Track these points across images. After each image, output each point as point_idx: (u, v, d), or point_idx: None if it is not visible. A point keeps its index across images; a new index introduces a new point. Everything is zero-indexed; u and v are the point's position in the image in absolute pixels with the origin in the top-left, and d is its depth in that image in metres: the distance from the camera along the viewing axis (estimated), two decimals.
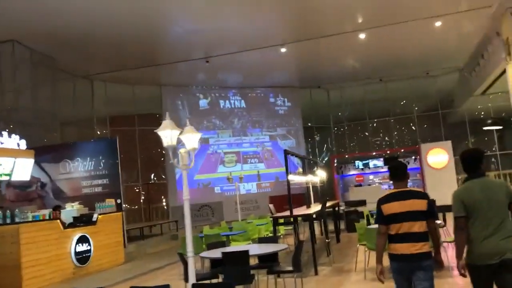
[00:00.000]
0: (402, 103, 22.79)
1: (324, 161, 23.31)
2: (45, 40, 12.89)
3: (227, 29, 13.88)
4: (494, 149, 21.18)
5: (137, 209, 18.93)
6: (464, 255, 3.67)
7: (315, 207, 10.34)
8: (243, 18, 13.25)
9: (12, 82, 12.60)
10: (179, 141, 4.87)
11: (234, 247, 8.02)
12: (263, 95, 21.13)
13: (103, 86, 17.18)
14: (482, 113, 22.32)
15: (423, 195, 4.02)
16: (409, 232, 3.86)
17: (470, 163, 3.83)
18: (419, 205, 3.91)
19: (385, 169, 21.09)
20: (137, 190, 18.91)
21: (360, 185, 20.75)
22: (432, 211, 3.96)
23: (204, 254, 6.36)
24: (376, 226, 4.16)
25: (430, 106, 22.46)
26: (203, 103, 19.74)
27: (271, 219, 9.24)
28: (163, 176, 19.25)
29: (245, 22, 13.57)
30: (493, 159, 21.70)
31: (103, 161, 13.05)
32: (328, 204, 11.13)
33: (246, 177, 19.46)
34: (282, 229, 10.95)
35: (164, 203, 19.32)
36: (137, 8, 11.89)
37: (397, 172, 4.17)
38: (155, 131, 4.67)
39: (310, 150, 23.46)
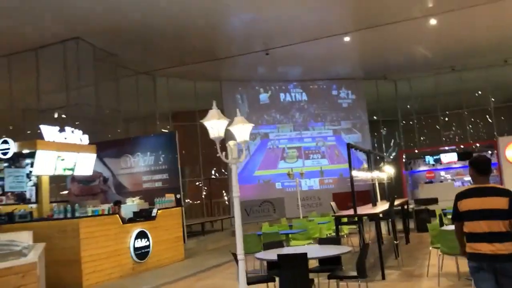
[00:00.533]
0: (477, 94, 21.16)
1: (391, 157, 22.21)
2: (108, 37, 13.06)
3: (287, 19, 13.36)
4: None
5: (199, 204, 18.94)
6: None
7: (382, 206, 9.62)
8: (304, 6, 12.64)
9: (76, 79, 12.86)
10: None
11: (292, 247, 7.54)
12: (326, 88, 20.41)
13: (165, 82, 17.27)
14: None
15: (505, 192, 3.68)
16: (489, 231, 3.60)
17: None
18: (500, 203, 3.60)
19: (459, 164, 19.72)
20: (199, 185, 18.92)
21: (431, 182, 19.53)
22: None
23: (260, 255, 5.93)
24: (452, 227, 3.65)
25: (509, 97, 20.69)
26: (263, 97, 19.37)
27: (333, 217, 8.64)
28: (225, 172, 19.13)
29: (306, 11, 12.97)
30: None
31: (163, 155, 13.02)
32: (396, 202, 10.36)
33: (308, 173, 18.91)
34: (345, 229, 10.32)
35: (226, 198, 19.21)
36: (196, 0, 11.71)
37: (481, 166, 3.80)
38: (201, 121, 4.28)
39: (376, 145, 22.41)
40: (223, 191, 19.20)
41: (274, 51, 15.44)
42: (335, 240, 6.70)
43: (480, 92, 20.86)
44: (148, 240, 10.22)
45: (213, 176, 19.50)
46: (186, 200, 19.49)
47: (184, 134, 16.24)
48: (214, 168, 19.67)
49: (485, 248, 3.59)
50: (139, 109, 16.36)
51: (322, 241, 7.00)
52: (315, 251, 5.86)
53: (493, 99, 20.43)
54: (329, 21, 13.78)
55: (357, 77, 20.46)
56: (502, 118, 21.28)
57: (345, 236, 10.37)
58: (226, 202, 19.04)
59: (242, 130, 4.50)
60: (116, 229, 9.49)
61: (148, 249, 10.20)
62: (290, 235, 9.08)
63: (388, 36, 15.28)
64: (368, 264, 6.32)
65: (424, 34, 15.72)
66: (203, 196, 17.96)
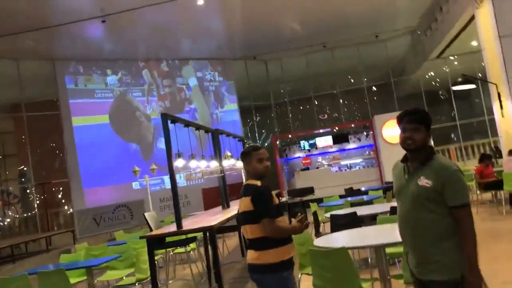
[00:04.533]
0: (349, 74, 20.10)
1: (266, 144, 20.32)
2: None
3: None
4: (453, 118, 18.93)
5: (31, 216, 15.18)
6: None
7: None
8: None
9: None
10: None
11: None
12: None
13: None
14: (438, 80, 20.03)
15: (249, 191, 3.16)
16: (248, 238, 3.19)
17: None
18: (246, 204, 3.13)
19: (335, 148, 18.40)
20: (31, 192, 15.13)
21: (307, 169, 17.91)
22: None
23: None
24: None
25: (381, 76, 19.91)
26: (111, 80, 16.02)
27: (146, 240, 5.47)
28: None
29: None
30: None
31: None
32: None
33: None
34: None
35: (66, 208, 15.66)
36: None
37: None
38: None
39: (249, 134, 20.37)
40: (62, 199, 15.62)
41: (114, 20, 12.32)
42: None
43: (352, 72, 19.79)
44: None
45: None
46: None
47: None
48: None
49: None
50: None
51: None
52: None
53: (365, 79, 19.49)
54: None
55: (224, 57, 18.10)
56: (375, 98, 20.50)
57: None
58: (69, 212, 15.50)
59: None
60: None
61: None
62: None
63: (252, 5, 13.11)
64: None
65: (292, 6, 13.87)
66: (35, 206, 14.21)
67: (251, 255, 3.09)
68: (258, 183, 3.17)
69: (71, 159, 14.60)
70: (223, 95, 18.16)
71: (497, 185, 8.54)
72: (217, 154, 7.02)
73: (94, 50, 14.75)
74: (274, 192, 3.30)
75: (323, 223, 7.57)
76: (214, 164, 7.52)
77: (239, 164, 8.36)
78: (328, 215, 6.15)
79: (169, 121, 4.94)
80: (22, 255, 11.53)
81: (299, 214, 3.22)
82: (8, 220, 15.55)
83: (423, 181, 2.49)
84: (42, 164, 15.63)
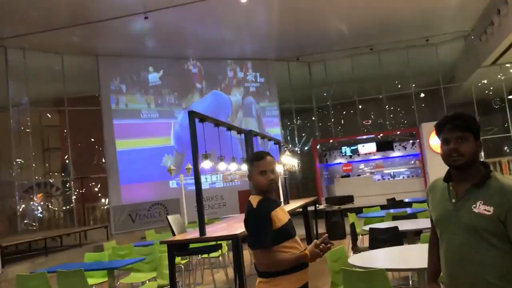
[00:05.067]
0: (397, 79, 19.30)
1: (306, 148, 19.84)
2: None
3: None
4: (507, 130, 17.77)
5: (68, 210, 15.33)
6: None
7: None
8: None
9: None
10: None
11: None
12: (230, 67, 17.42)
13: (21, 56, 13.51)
14: (491, 88, 18.90)
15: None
16: None
17: None
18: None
19: (378, 155, 17.69)
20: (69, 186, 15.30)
21: (348, 176, 17.28)
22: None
23: None
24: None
25: (430, 82, 19.00)
26: (153, 77, 15.99)
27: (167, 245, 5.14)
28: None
29: None
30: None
31: None
32: (300, 202, 7.66)
33: (211, 168, 15.89)
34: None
35: (103, 202, 15.73)
36: None
37: None
38: None
39: (289, 136, 19.93)
40: (99, 194, 15.70)
41: (155, 14, 12.19)
42: None
43: (401, 76, 18.99)
44: None
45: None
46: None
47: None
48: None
49: None
50: None
51: None
52: None
53: (413, 85, 18.64)
54: None
55: (267, 58, 17.74)
56: (423, 105, 19.61)
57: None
58: (105, 207, 15.56)
59: None
60: None
61: None
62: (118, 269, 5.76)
63: (295, 4, 12.70)
64: None
65: (337, 6, 13.36)
66: (73, 200, 14.32)
67: (259, 285, 2.61)
68: (257, 200, 2.61)
69: (109, 155, 14.65)
70: (264, 96, 17.80)
71: None
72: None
73: (136, 46, 14.74)
74: (287, 207, 2.71)
75: (362, 235, 7.05)
76: (245, 167, 7.17)
77: None
78: (367, 227, 5.65)
79: (196, 120, 4.59)
80: (56, 248, 11.56)
81: (325, 235, 2.73)
82: (48, 212, 15.79)
83: (481, 208, 1.94)
84: (82, 158, 15.80)
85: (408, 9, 14.08)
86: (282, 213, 2.65)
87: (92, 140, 16.51)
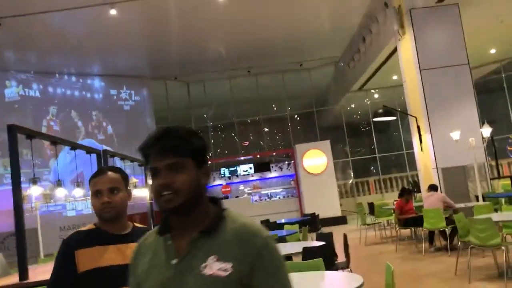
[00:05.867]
0: (273, 102, 19.73)
1: None
2: None
3: None
4: (373, 151, 19.02)
5: None
6: None
7: None
8: None
9: None
10: None
11: None
12: (99, 85, 16.28)
13: None
14: (359, 112, 20.22)
15: None
16: None
17: None
18: None
19: (256, 176, 17.72)
20: None
21: (227, 198, 17.02)
22: None
23: None
24: None
25: (304, 105, 19.73)
26: (10, 92, 14.29)
27: None
28: None
29: None
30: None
31: None
32: None
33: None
34: None
35: None
36: None
37: None
38: None
39: None
40: None
41: (9, 21, 10.84)
42: None
43: (276, 99, 19.44)
44: None
45: None
46: None
47: None
48: None
49: None
50: None
51: None
52: None
53: (289, 108, 19.19)
54: None
55: (142, 75, 16.95)
56: (298, 127, 20.27)
57: None
58: None
59: None
60: None
61: None
62: None
63: (172, 22, 12.27)
64: None
65: (216, 27, 13.23)
66: None
67: None
68: (83, 229, 2.08)
69: None
70: (139, 116, 16.91)
71: (417, 221, 8.15)
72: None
73: None
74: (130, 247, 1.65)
75: None
76: None
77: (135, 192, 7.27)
78: None
79: (20, 135, 3.73)
80: None
81: None
82: None
83: (214, 267, 1.28)
84: None
85: (281, 34, 14.42)
86: (112, 254, 1.98)
87: None
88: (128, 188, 2.16)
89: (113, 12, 10.92)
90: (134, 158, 6.96)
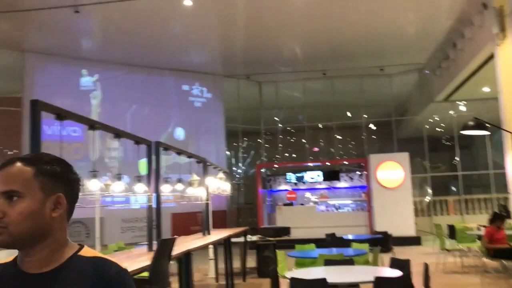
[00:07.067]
0: (348, 108, 18.70)
1: (252, 172, 18.75)
2: None
3: None
4: (454, 168, 17.39)
5: None
6: None
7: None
8: None
9: None
10: None
11: None
12: (173, 80, 16.13)
13: None
14: (442, 124, 18.60)
15: None
16: None
17: None
18: None
19: (324, 185, 16.82)
20: None
21: (291, 204, 16.26)
22: None
23: None
24: None
25: (382, 113, 18.51)
26: (85, 81, 14.50)
27: None
28: None
29: None
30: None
31: None
32: (229, 232, 6.49)
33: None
34: None
35: None
36: None
37: None
38: None
39: (233, 158, 18.82)
40: None
41: (87, 8, 10.83)
42: None
43: (352, 105, 18.41)
44: None
45: None
46: None
47: None
48: None
49: None
50: None
51: None
52: None
53: (365, 115, 18.07)
54: None
55: (215, 72, 16.64)
56: (373, 137, 19.05)
57: None
58: None
59: None
60: None
61: None
62: None
63: (248, 19, 11.76)
64: None
65: (292, 27, 12.57)
66: None
67: None
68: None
69: None
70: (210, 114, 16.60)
71: (510, 254, 6.94)
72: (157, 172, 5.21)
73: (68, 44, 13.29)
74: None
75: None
76: (170, 188, 5.94)
77: (194, 190, 6.75)
78: (290, 274, 4.53)
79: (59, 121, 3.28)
80: None
81: None
82: None
83: None
84: None
85: (361, 35, 13.46)
86: None
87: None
88: (63, 193, 1.24)
89: (187, 2, 10.58)
90: (192, 154, 6.43)
